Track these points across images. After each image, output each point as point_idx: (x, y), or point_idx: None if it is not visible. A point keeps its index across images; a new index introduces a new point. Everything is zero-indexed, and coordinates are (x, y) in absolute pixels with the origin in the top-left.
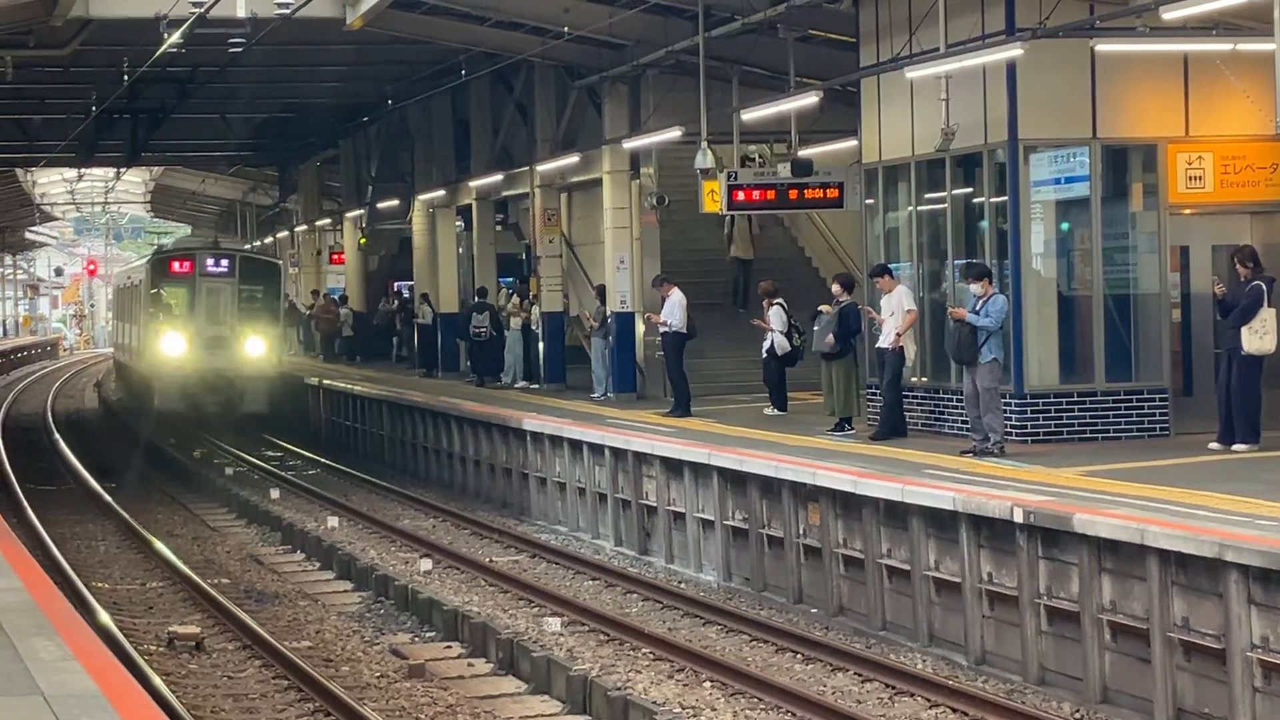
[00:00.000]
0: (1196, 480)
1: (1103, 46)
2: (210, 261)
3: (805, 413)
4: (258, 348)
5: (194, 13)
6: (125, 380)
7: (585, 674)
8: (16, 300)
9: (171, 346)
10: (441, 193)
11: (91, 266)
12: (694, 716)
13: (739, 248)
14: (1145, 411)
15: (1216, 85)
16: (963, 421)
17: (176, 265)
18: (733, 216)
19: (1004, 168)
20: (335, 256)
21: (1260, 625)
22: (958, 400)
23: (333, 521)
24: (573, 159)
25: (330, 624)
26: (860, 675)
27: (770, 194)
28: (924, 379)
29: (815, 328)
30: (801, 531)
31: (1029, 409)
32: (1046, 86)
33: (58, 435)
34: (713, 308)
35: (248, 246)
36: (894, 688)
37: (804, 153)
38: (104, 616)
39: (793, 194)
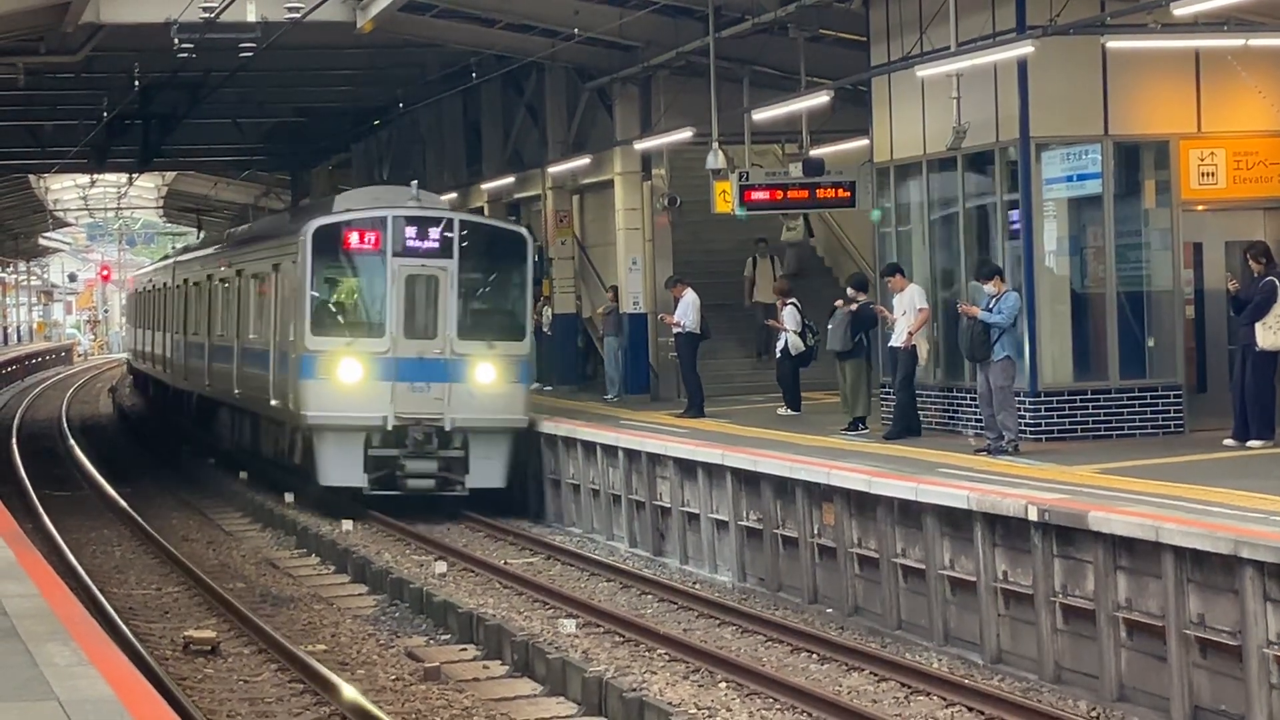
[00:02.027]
0: (1211, 477)
1: (1114, 43)
2: (412, 232)
3: (819, 412)
4: (492, 378)
5: (205, 18)
6: (226, 422)
7: (600, 675)
8: (30, 306)
9: (349, 376)
10: (453, 195)
11: (105, 272)
12: (709, 717)
13: (761, 290)
14: (1159, 408)
15: (1228, 81)
16: (976, 420)
17: (354, 238)
18: (754, 258)
19: (1016, 166)
20: None
21: (1276, 621)
22: (971, 399)
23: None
24: (584, 161)
25: (345, 627)
26: (876, 675)
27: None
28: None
29: (829, 327)
30: (816, 531)
31: (1043, 407)
32: (1058, 84)
33: (72, 441)
34: (725, 308)
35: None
36: (910, 687)
37: (815, 152)
38: (119, 622)
39: (804, 194)
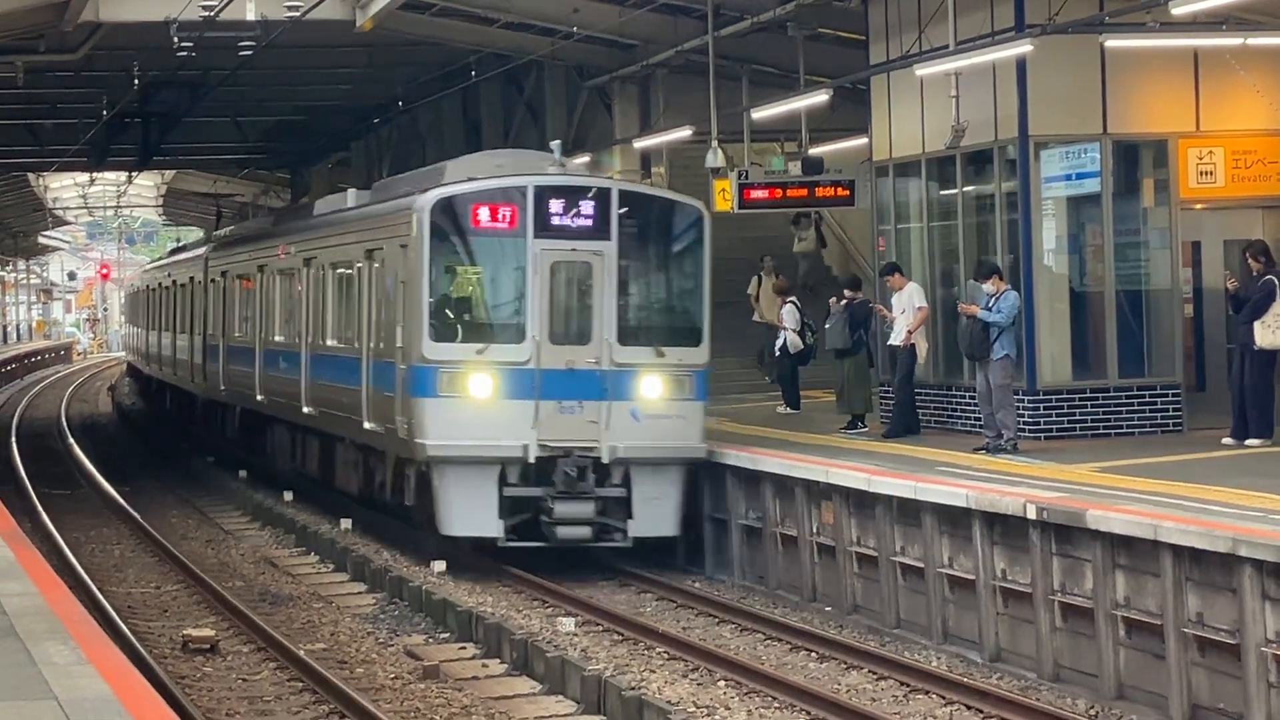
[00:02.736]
0: (1210, 475)
1: (1112, 42)
2: (558, 206)
3: (818, 411)
4: (662, 394)
5: (204, 16)
6: (279, 439)
7: (599, 674)
8: (30, 305)
9: (479, 394)
10: (587, 158)
11: (104, 270)
12: (708, 716)
13: (766, 309)
14: (1158, 407)
15: (1227, 80)
16: (976, 418)
17: (484, 214)
18: (759, 276)
19: (1015, 164)
20: None
21: (1275, 620)
22: (970, 397)
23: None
24: (583, 159)
25: (345, 626)
26: (875, 673)
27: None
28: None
29: (826, 326)
30: (815, 530)
31: (1042, 405)
32: (1056, 83)
33: (71, 440)
34: (724, 306)
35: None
36: (909, 685)
37: (814, 151)
38: (118, 620)
39: (803, 192)
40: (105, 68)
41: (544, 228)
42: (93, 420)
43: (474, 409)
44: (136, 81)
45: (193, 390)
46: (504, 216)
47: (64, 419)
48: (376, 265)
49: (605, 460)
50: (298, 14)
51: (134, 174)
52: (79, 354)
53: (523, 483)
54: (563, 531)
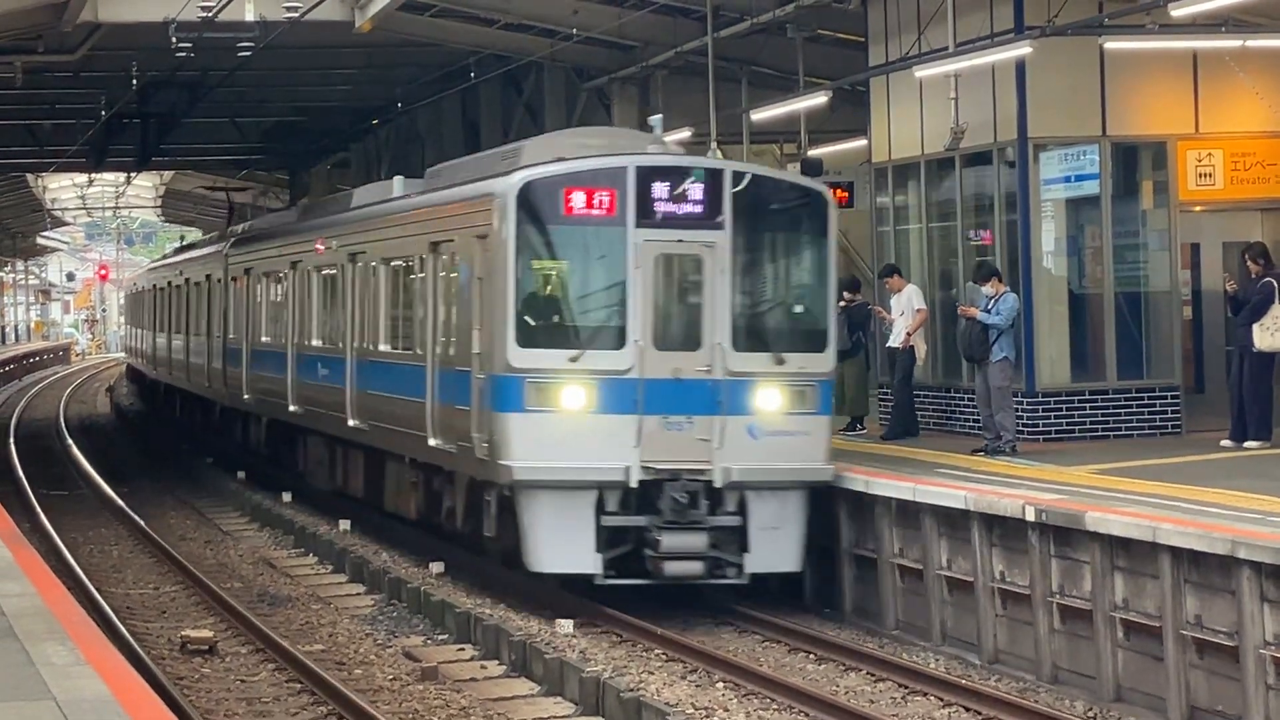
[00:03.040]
0: (1208, 477)
1: (1112, 44)
2: (662, 190)
3: None
4: (783, 407)
5: (203, 17)
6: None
7: (598, 676)
8: (28, 305)
9: (573, 407)
10: (686, 134)
11: (103, 271)
12: (707, 717)
13: None
14: (1157, 409)
15: (1226, 82)
16: (974, 420)
17: (577, 200)
18: None
19: (1014, 166)
20: None
21: (1273, 622)
22: (969, 399)
23: (566, 626)
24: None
25: (343, 627)
26: (873, 675)
27: None
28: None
29: None
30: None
31: (1040, 407)
32: (1056, 84)
33: (70, 440)
34: None
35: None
36: (907, 687)
37: (813, 152)
38: (117, 621)
39: None
40: (104, 68)
41: (647, 215)
42: (91, 421)
43: (567, 425)
44: (135, 82)
45: (208, 396)
46: (601, 202)
47: (62, 420)
48: (444, 259)
49: (718, 484)
50: (296, 15)
51: (133, 174)
52: (77, 355)
53: (623, 511)
54: (671, 567)
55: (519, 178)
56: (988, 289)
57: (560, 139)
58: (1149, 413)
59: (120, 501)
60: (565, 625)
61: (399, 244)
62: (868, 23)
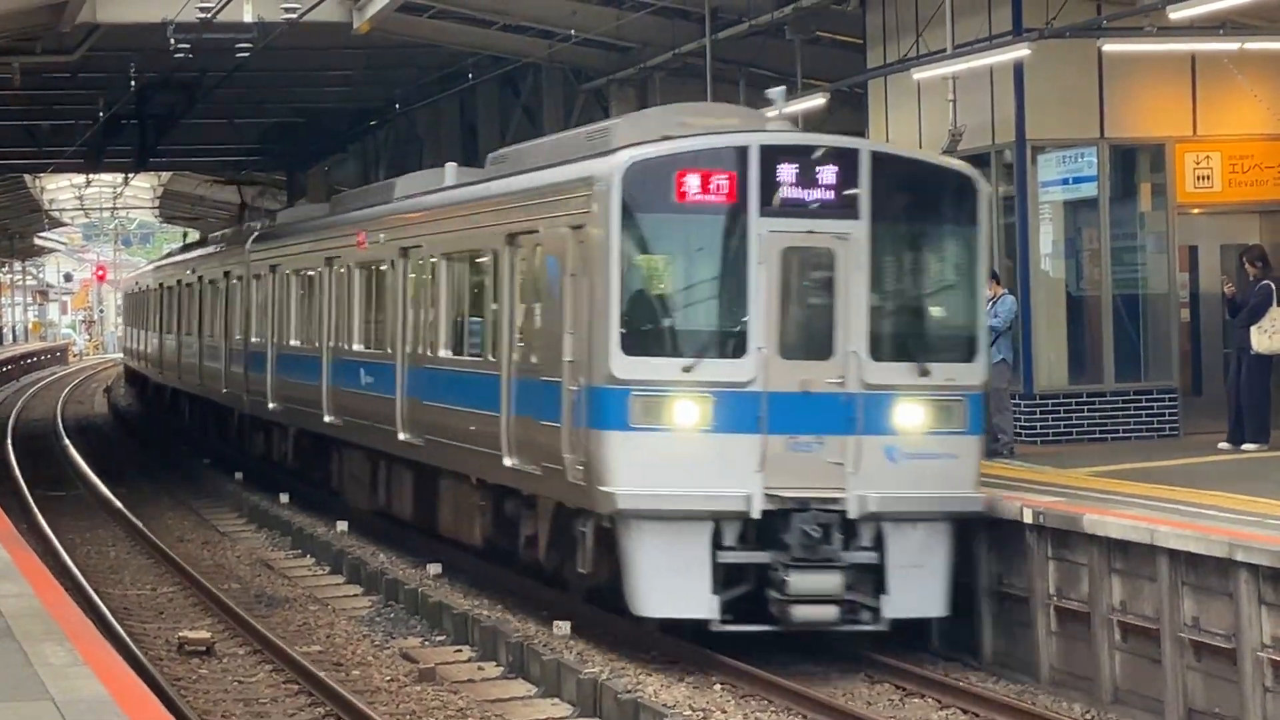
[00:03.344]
0: (1206, 480)
1: (1110, 46)
2: (789, 174)
3: None
4: (926, 424)
5: (201, 18)
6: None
7: (595, 677)
8: (26, 306)
9: (685, 425)
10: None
11: (100, 272)
12: (705, 719)
13: None
14: (1154, 411)
15: (1224, 84)
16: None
17: (691, 184)
18: None
19: (1012, 168)
20: None
21: (1271, 625)
22: None
23: (564, 627)
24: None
25: (340, 628)
26: (870, 677)
27: None
28: None
29: None
30: None
31: (1038, 409)
32: (1054, 87)
33: (67, 441)
34: None
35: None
36: (904, 689)
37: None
38: (114, 622)
39: None
40: (102, 69)
41: (771, 202)
42: (89, 422)
43: (679, 446)
44: (133, 83)
45: (224, 403)
46: (718, 187)
47: (60, 420)
48: (524, 253)
49: (852, 515)
50: (295, 16)
51: (130, 175)
52: (75, 356)
53: (743, 545)
54: (800, 612)
55: (625, 157)
56: (985, 291)
57: (658, 116)
58: (1147, 415)
59: (118, 502)
60: (563, 626)
61: (465, 236)
62: (866, 25)
